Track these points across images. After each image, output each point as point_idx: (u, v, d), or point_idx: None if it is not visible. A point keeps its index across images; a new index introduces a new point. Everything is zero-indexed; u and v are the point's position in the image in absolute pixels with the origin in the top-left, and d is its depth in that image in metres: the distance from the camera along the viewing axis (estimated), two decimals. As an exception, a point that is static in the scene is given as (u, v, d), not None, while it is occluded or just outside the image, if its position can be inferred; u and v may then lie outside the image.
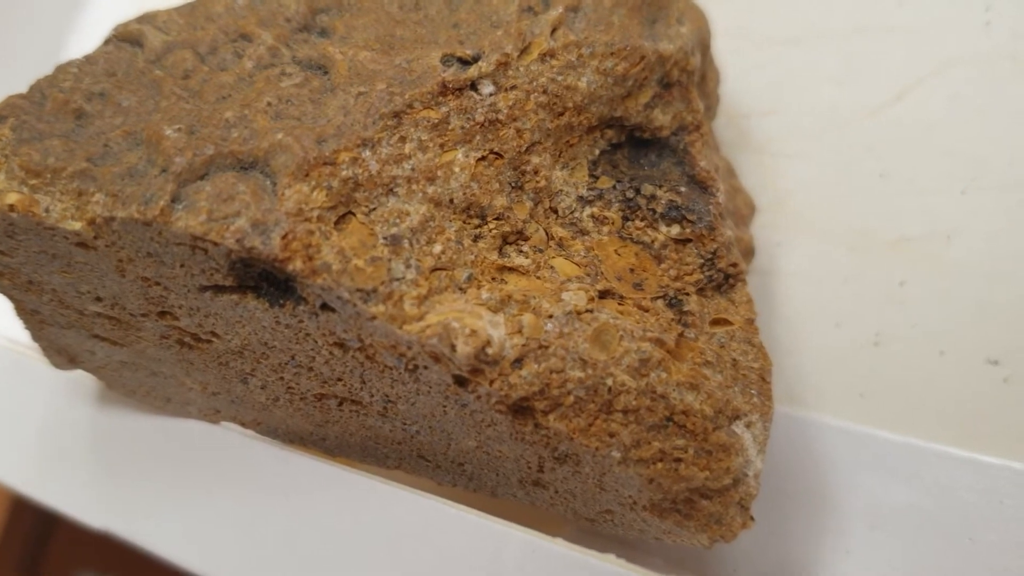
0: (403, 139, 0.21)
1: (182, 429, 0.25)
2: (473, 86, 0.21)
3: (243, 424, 0.26)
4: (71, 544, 0.65)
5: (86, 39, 0.42)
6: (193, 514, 0.24)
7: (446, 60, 0.22)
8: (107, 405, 0.27)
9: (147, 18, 0.23)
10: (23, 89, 0.22)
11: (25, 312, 0.24)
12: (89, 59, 0.23)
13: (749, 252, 0.25)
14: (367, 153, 0.20)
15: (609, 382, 0.20)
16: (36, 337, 0.25)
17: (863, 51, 0.28)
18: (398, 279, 0.20)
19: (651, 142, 0.24)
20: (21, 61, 0.40)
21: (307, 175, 0.20)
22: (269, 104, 0.21)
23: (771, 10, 0.30)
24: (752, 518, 0.21)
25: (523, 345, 0.20)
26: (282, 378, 0.23)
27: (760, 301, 0.27)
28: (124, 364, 0.25)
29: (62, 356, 0.25)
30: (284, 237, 0.19)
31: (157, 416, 0.26)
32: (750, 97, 0.29)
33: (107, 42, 0.23)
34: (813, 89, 0.28)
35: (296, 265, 0.19)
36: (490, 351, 0.19)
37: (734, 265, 0.23)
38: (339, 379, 0.22)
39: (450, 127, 0.21)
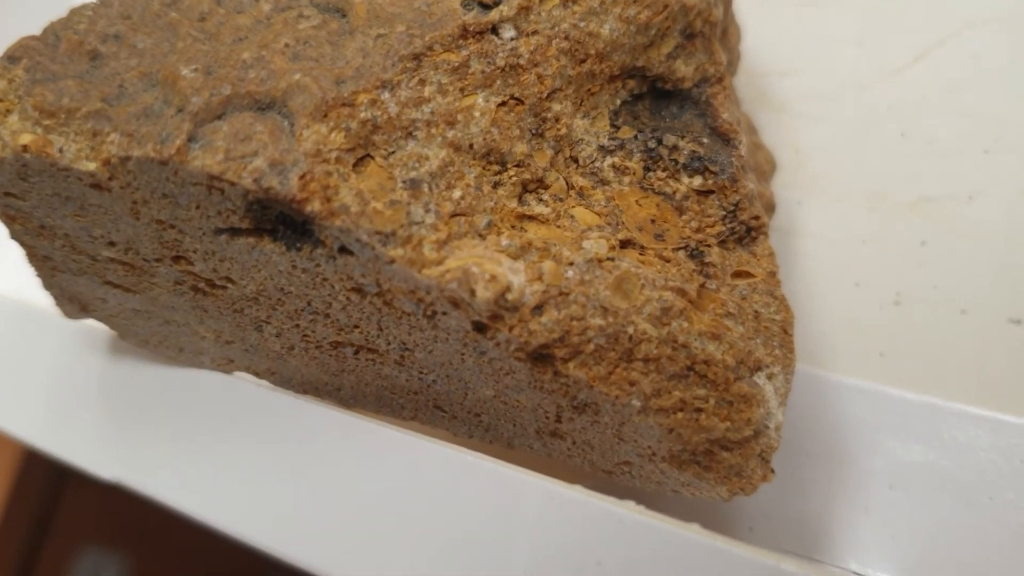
0: (423, 82, 0.20)
1: (195, 379, 0.25)
2: (494, 30, 0.21)
3: (257, 374, 0.25)
4: (74, 521, 0.65)
5: None
6: (205, 465, 0.24)
7: (467, 3, 0.21)
8: (119, 356, 0.26)
9: (162, -39, 0.23)
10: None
11: (37, 259, 0.23)
12: (104, 2, 0.22)
13: (770, 207, 0.25)
14: (386, 95, 0.20)
15: (630, 330, 0.19)
16: (48, 285, 0.24)
17: (884, 11, 0.28)
18: (417, 223, 0.19)
19: (673, 93, 0.23)
20: (31, 7, 0.39)
21: (325, 116, 0.19)
22: (287, 45, 0.20)
23: (792, -32, 0.29)
24: (772, 471, 0.21)
25: (543, 292, 0.19)
26: (298, 325, 0.22)
27: (780, 260, 0.26)
28: (137, 312, 0.24)
29: (74, 304, 0.25)
30: (302, 178, 0.19)
31: (169, 366, 0.26)
32: (770, 56, 0.29)
33: (122, -15, 0.23)
34: (833, 49, 0.28)
35: (314, 206, 0.18)
36: (510, 297, 0.19)
37: (756, 218, 0.22)
38: (356, 326, 0.22)
39: (470, 71, 0.21)
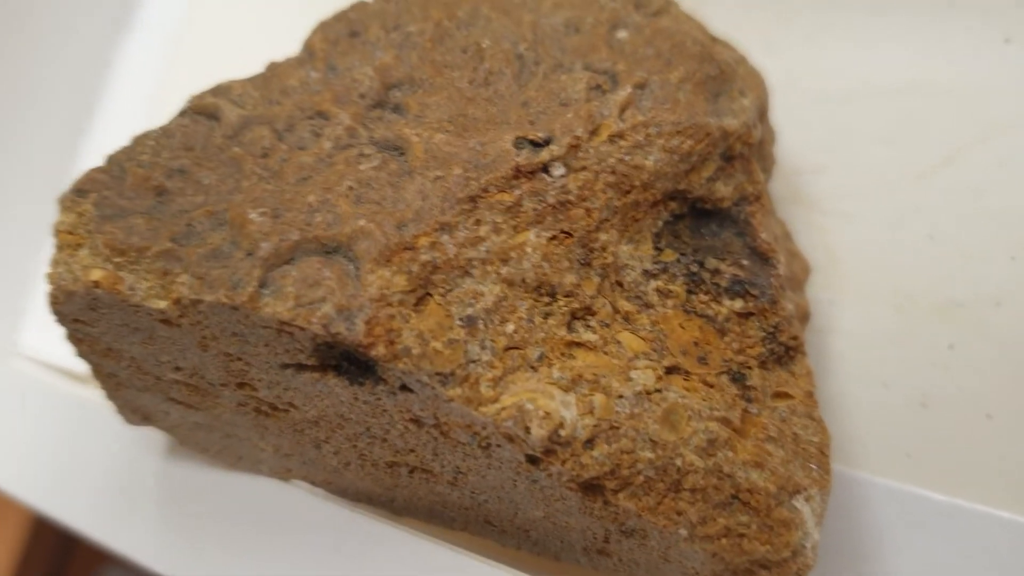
0: (478, 222, 0.21)
1: (252, 485, 0.26)
2: (545, 169, 0.22)
3: (313, 483, 0.26)
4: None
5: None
6: (261, 569, 0.25)
7: (519, 143, 0.22)
8: (177, 458, 0.27)
9: (221, 90, 0.24)
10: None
11: (102, 375, 0.24)
12: (166, 131, 0.23)
13: (805, 317, 0.26)
14: (445, 237, 0.21)
15: (678, 462, 0.20)
16: (111, 396, 0.25)
17: (913, 111, 0.28)
18: (474, 361, 0.20)
19: (712, 212, 0.24)
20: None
21: (389, 260, 0.20)
22: (350, 188, 0.21)
23: (824, 67, 0.30)
24: (809, 587, 0.22)
25: (595, 426, 0.20)
26: (355, 446, 0.23)
27: (813, 359, 0.27)
28: (199, 425, 0.25)
29: (136, 415, 0.26)
30: (368, 323, 0.19)
31: (228, 471, 0.27)
32: (802, 154, 0.29)
33: (183, 114, 0.24)
34: (863, 148, 0.29)
35: (379, 350, 0.19)
36: (563, 432, 0.20)
37: (794, 338, 0.23)
38: (412, 450, 0.23)
39: (523, 209, 0.22)
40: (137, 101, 0.41)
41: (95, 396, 0.30)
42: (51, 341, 0.36)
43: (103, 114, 0.42)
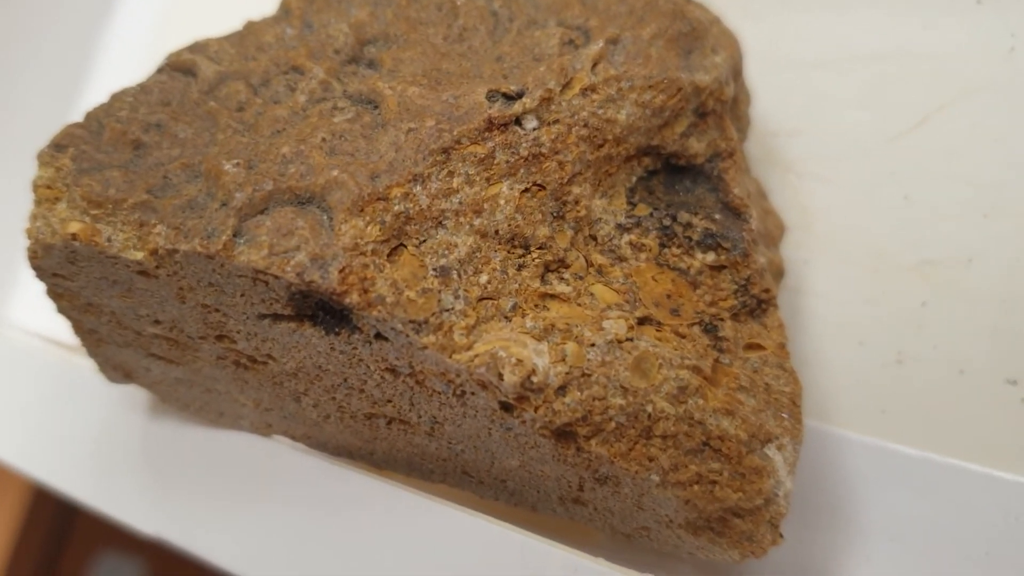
0: (451, 174, 0.21)
1: (234, 441, 0.26)
2: (517, 121, 0.22)
3: (294, 438, 0.27)
4: (95, 525, 0.66)
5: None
6: (243, 524, 0.25)
7: (491, 96, 0.22)
8: (160, 416, 0.28)
9: (199, 47, 0.24)
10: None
11: (83, 331, 0.25)
12: (144, 88, 0.24)
13: (779, 273, 0.26)
14: (418, 188, 0.21)
15: (649, 409, 0.21)
16: (92, 353, 0.26)
17: (887, 75, 0.29)
18: (448, 310, 0.20)
19: (686, 168, 0.24)
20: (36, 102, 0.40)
21: (362, 210, 0.20)
22: (324, 140, 0.21)
23: (799, 32, 0.30)
24: (781, 535, 0.22)
25: (566, 373, 0.20)
26: (334, 398, 0.24)
27: (788, 318, 0.27)
28: (179, 381, 0.26)
29: (118, 372, 0.26)
30: (341, 271, 0.20)
31: (209, 428, 0.27)
32: (778, 116, 0.30)
33: (160, 71, 0.24)
34: (838, 112, 0.29)
35: (353, 298, 0.20)
36: (535, 380, 0.20)
37: (766, 291, 0.23)
38: (389, 401, 0.23)
39: (496, 161, 0.22)
40: (129, 68, 0.41)
41: (78, 360, 0.30)
42: (40, 315, 0.36)
43: (94, 83, 0.42)
